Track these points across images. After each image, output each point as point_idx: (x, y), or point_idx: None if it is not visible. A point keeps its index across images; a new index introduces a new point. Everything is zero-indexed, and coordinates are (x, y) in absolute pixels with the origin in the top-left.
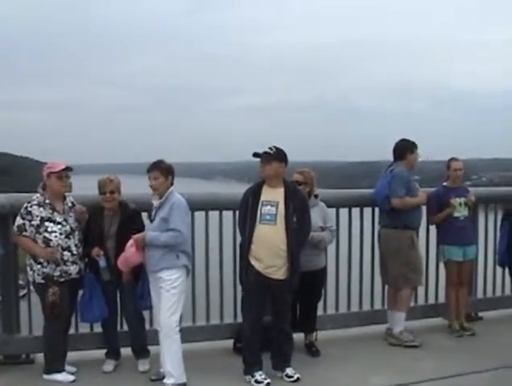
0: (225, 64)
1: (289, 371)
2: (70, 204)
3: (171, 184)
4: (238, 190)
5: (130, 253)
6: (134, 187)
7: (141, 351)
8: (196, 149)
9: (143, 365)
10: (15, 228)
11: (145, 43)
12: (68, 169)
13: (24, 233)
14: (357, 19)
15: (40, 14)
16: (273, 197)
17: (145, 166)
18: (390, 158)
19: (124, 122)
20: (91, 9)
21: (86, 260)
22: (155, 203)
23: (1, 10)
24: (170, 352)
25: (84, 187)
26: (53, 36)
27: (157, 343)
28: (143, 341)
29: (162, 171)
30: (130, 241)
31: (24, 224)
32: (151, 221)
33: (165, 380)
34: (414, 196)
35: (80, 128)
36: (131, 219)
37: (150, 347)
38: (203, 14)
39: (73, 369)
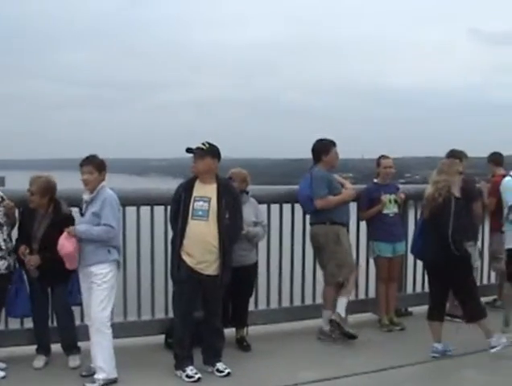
0: (157, 60)
1: (220, 365)
2: None
3: (103, 179)
4: (173, 186)
5: (62, 244)
6: (68, 182)
7: (71, 347)
8: (129, 145)
9: (74, 361)
10: None
11: (79, 39)
12: None
13: None
14: (296, 18)
15: None
16: (205, 193)
17: (78, 162)
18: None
19: (57, 117)
20: (26, 2)
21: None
22: (86, 197)
23: None
24: (101, 347)
25: (20, 183)
26: None
27: (87, 339)
28: (73, 337)
29: (94, 166)
30: (64, 234)
31: None
32: (82, 215)
33: (96, 375)
34: (337, 194)
35: (11, 122)
36: (61, 223)
37: (80, 343)
38: (134, 10)
39: (3, 365)
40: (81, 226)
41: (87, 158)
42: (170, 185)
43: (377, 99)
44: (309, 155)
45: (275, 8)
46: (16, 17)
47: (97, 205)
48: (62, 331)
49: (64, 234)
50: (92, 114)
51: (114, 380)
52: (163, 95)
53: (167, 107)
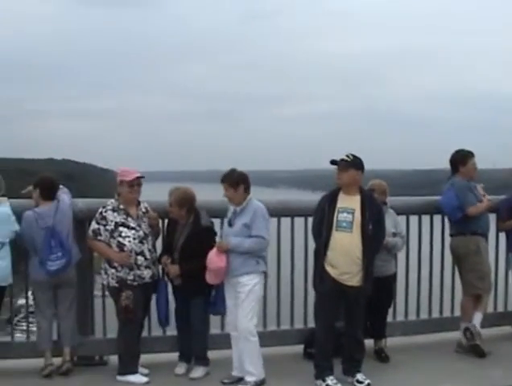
0: (270, 73)
1: (359, 376)
2: (144, 210)
3: (246, 191)
4: (302, 198)
5: (211, 258)
6: (208, 194)
7: (200, 358)
8: (255, 157)
9: (196, 372)
10: (90, 233)
11: (197, 53)
12: (139, 178)
13: (99, 238)
14: (406, 27)
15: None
16: (349, 204)
17: (207, 174)
18: (442, 165)
19: (178, 130)
20: (146, 19)
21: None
22: (233, 208)
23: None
24: (250, 354)
25: (152, 195)
26: (110, 50)
27: (219, 348)
28: (204, 348)
29: (231, 183)
30: (214, 249)
31: (99, 229)
32: (230, 225)
33: (246, 378)
34: (480, 202)
35: (135, 136)
36: (200, 235)
37: (212, 352)
38: (253, 23)
39: (146, 371)
40: (234, 239)
41: (224, 175)
42: (298, 196)
43: (496, 107)
44: (432, 166)
45: (386, 17)
46: (137, 32)
47: (248, 216)
48: (195, 341)
49: (214, 249)
50: (213, 127)
51: (263, 381)
52: (281, 107)
53: (286, 119)
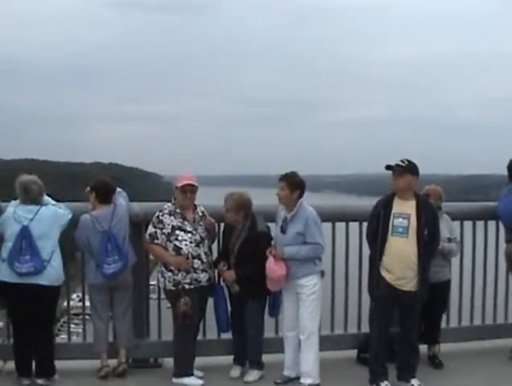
0: (328, 77)
1: (414, 382)
2: (200, 213)
3: (300, 197)
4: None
5: (270, 268)
6: (263, 198)
7: (253, 362)
8: (302, 162)
9: (250, 375)
10: (147, 236)
11: (252, 58)
12: (190, 185)
13: (156, 241)
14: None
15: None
16: (405, 209)
17: (254, 179)
18: (495, 171)
19: (234, 135)
20: (202, 26)
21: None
22: (284, 213)
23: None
24: (309, 355)
25: (203, 199)
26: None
27: (274, 351)
28: (258, 352)
29: (288, 184)
30: (270, 258)
31: (156, 232)
32: (282, 232)
33: (302, 380)
34: None
35: (192, 140)
36: (256, 239)
37: (267, 355)
38: (307, 28)
39: (201, 373)
40: (290, 248)
41: (284, 174)
42: (344, 201)
43: None
44: (481, 171)
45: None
46: (195, 37)
47: (300, 224)
48: (250, 345)
49: (271, 258)
50: (266, 132)
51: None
52: (331, 112)
53: (334, 124)
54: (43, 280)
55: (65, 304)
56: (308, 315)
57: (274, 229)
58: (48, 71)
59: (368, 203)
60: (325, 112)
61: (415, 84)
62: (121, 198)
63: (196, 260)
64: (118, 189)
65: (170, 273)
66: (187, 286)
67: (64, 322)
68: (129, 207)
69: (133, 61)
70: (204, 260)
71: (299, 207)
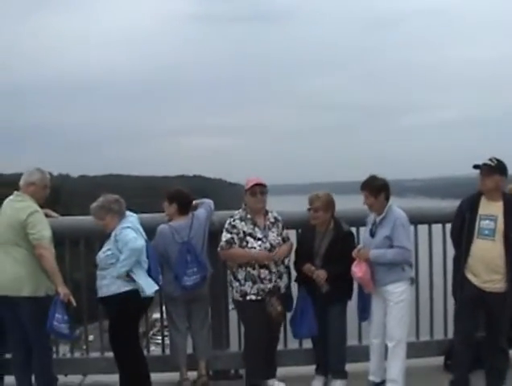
0: (394, 81)
1: None
2: (272, 219)
3: (387, 199)
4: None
5: (353, 270)
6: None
7: (337, 371)
8: (381, 167)
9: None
10: (224, 243)
11: (321, 65)
12: (259, 185)
13: (234, 246)
14: None
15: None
16: (492, 211)
17: (329, 186)
18: None
19: (312, 144)
20: (269, 37)
21: (296, 275)
22: (373, 217)
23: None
24: (396, 362)
25: (276, 206)
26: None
27: (358, 360)
28: (341, 360)
29: (369, 191)
30: (355, 261)
31: (232, 238)
32: (371, 235)
33: None
34: None
35: (271, 149)
36: (342, 240)
37: (351, 365)
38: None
39: (282, 384)
40: (375, 251)
41: (364, 182)
42: (426, 204)
43: None
44: None
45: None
46: (271, 47)
47: (388, 227)
48: (332, 353)
49: (355, 261)
50: (337, 138)
51: None
52: (407, 116)
53: (411, 129)
54: None
55: (154, 316)
56: (397, 323)
57: (363, 233)
58: (129, 87)
59: (452, 204)
60: (403, 116)
61: (493, 85)
62: (202, 208)
63: (262, 270)
64: (204, 199)
65: (237, 283)
66: (254, 297)
67: (154, 335)
68: (210, 214)
69: (210, 75)
70: (273, 269)
71: (388, 210)
